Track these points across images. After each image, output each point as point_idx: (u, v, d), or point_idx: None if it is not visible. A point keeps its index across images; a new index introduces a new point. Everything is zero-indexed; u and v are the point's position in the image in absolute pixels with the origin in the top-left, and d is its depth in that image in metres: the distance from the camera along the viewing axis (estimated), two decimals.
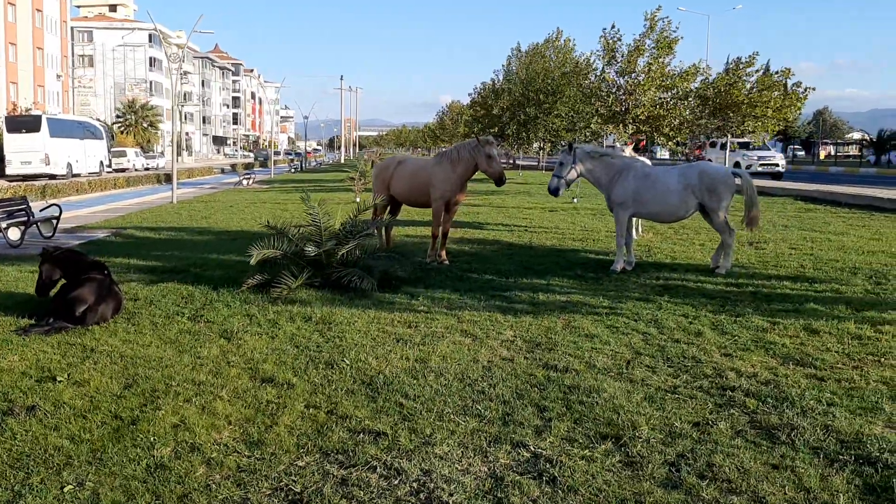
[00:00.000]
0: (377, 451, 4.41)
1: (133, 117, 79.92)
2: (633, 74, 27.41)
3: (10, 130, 39.82)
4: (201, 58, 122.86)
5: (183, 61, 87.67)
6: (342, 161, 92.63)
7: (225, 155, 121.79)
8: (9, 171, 38.76)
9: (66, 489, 4.00)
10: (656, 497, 3.90)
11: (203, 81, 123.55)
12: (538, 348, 6.59)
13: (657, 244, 12.97)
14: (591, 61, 35.94)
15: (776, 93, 27.45)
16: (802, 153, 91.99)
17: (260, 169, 60.19)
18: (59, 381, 5.66)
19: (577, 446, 4.50)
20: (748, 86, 28.06)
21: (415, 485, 4.03)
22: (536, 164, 60.53)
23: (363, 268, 9.08)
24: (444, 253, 11.26)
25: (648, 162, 12.48)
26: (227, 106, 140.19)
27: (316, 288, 8.91)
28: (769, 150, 41.35)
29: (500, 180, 10.92)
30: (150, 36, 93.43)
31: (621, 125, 27.95)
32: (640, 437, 4.61)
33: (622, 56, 27.58)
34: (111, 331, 7.15)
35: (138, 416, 4.93)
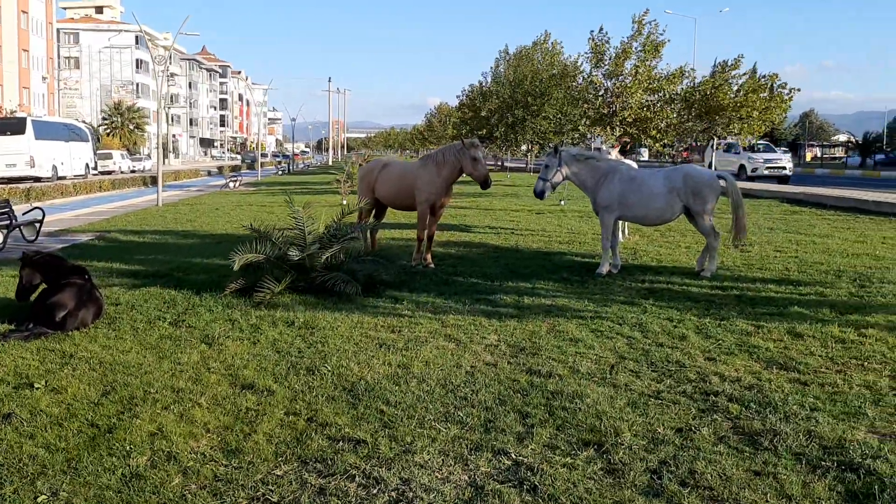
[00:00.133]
0: (356, 460, 4.35)
1: (119, 119, 79.61)
2: (620, 77, 27.48)
3: None
4: (188, 59, 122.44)
5: (170, 63, 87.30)
6: (330, 163, 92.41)
7: (212, 157, 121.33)
8: None
9: (39, 499, 3.93)
10: None
11: (190, 83, 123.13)
12: (522, 353, 6.55)
13: (643, 247, 12.97)
14: (579, 64, 36.04)
15: (762, 94, 27.61)
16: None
17: (247, 171, 59.94)
18: (37, 388, 5.58)
19: (559, 453, 4.47)
20: (734, 88, 28.20)
21: (393, 494, 3.98)
22: (524, 165, 60.59)
23: (347, 271, 9.02)
24: (429, 256, 11.21)
25: (635, 165, 12.48)
26: (215, 108, 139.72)
27: (299, 292, 8.84)
28: (775, 151, 39.52)
29: (485, 183, 10.90)
30: (136, 38, 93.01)
31: (609, 127, 28.01)
32: (623, 444, 4.58)
33: (610, 59, 27.64)
34: (91, 336, 7.07)
35: (115, 424, 4.86)
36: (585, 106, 30.29)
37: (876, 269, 10.51)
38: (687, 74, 28.25)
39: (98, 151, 53.90)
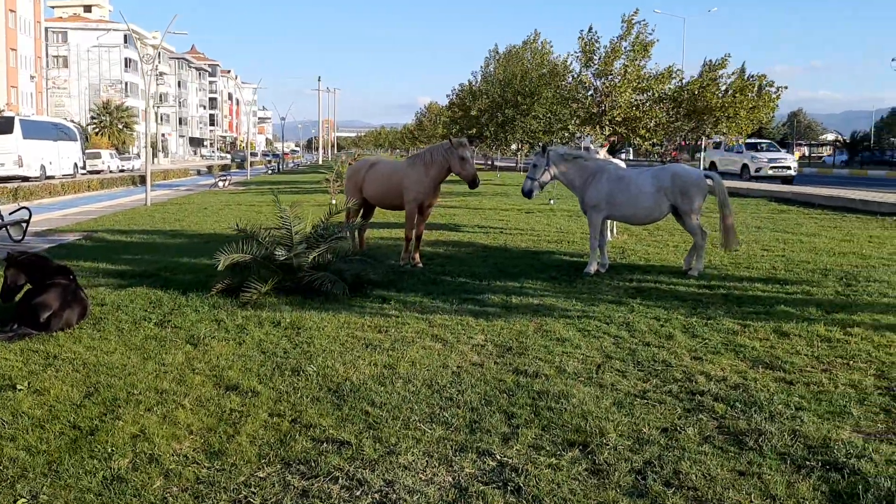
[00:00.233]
0: (340, 462, 4.33)
1: (108, 118, 79.22)
2: (609, 76, 27.48)
3: None
4: (178, 58, 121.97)
5: (158, 62, 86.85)
6: (320, 162, 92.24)
7: (202, 156, 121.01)
8: None
9: (18, 502, 3.89)
10: None
11: (179, 82, 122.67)
12: (509, 353, 6.54)
13: (631, 246, 12.98)
14: (569, 63, 36.04)
15: (750, 94, 27.68)
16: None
17: (237, 171, 59.76)
18: (20, 390, 5.52)
19: (544, 454, 4.45)
20: (722, 87, 28.26)
21: (377, 496, 3.96)
22: (514, 164, 60.62)
23: (335, 271, 8.98)
24: (417, 256, 11.19)
25: (623, 164, 12.48)
26: (204, 107, 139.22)
27: (286, 292, 8.80)
28: (780, 151, 38.71)
29: (473, 182, 10.89)
30: (125, 37, 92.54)
31: (598, 126, 28.01)
32: (608, 444, 4.57)
33: (599, 58, 27.63)
34: (75, 337, 7.02)
35: (97, 426, 4.82)
36: (575, 105, 30.27)
37: (862, 268, 10.55)
38: (675, 74, 28.28)
39: (87, 151, 53.64)
